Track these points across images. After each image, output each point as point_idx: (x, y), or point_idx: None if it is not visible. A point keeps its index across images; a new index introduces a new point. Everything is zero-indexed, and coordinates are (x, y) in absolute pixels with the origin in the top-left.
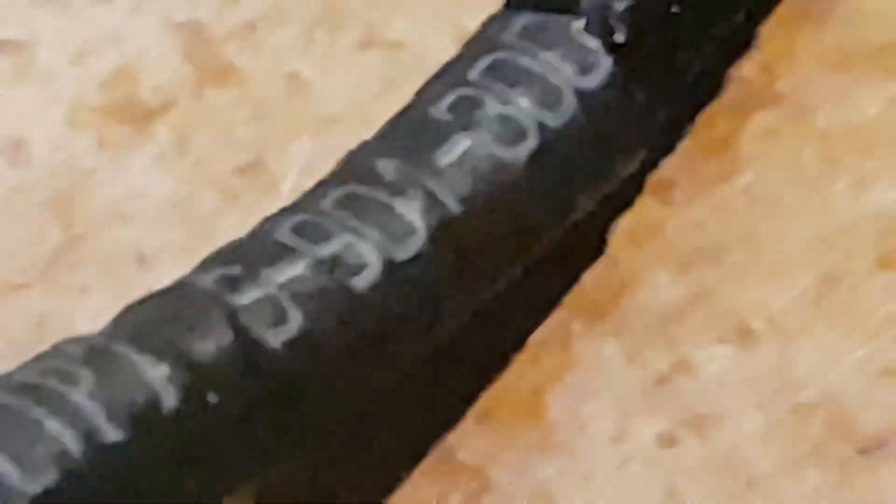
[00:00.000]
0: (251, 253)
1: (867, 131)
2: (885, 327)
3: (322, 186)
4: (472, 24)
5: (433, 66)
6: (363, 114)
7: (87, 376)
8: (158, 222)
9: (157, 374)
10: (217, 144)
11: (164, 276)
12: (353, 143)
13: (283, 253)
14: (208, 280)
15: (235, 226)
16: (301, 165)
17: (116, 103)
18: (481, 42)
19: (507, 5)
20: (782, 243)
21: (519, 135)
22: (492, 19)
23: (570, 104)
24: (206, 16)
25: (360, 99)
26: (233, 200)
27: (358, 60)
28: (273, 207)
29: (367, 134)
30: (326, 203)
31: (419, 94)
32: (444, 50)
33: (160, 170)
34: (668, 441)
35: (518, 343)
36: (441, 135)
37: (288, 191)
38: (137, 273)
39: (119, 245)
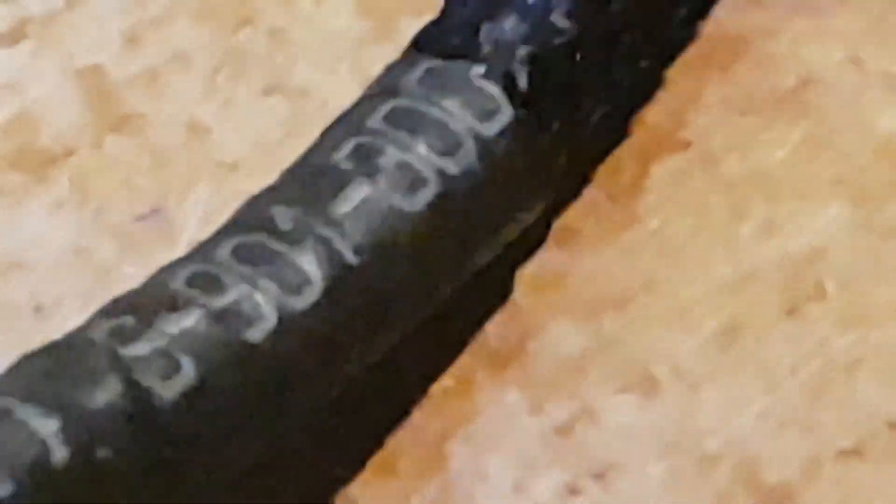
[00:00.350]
0: (145, 304)
1: (774, 176)
2: (789, 376)
3: (218, 236)
4: (376, 70)
5: (336, 112)
6: (265, 160)
7: None
8: (57, 271)
9: (46, 428)
10: (117, 192)
11: (63, 325)
12: (254, 190)
13: (178, 304)
14: (101, 332)
15: (135, 275)
16: (202, 213)
17: (16, 150)
18: (381, 89)
19: (408, 51)
20: (688, 290)
21: (418, 183)
22: (392, 65)
23: (470, 151)
24: (107, 62)
25: (263, 145)
26: (133, 249)
27: (260, 106)
28: (173, 255)
29: (270, 181)
30: (222, 253)
31: (318, 141)
32: (348, 96)
33: (59, 218)
34: (571, 491)
35: (420, 392)
36: (339, 183)
37: (188, 239)
38: (35, 323)
39: (17, 294)
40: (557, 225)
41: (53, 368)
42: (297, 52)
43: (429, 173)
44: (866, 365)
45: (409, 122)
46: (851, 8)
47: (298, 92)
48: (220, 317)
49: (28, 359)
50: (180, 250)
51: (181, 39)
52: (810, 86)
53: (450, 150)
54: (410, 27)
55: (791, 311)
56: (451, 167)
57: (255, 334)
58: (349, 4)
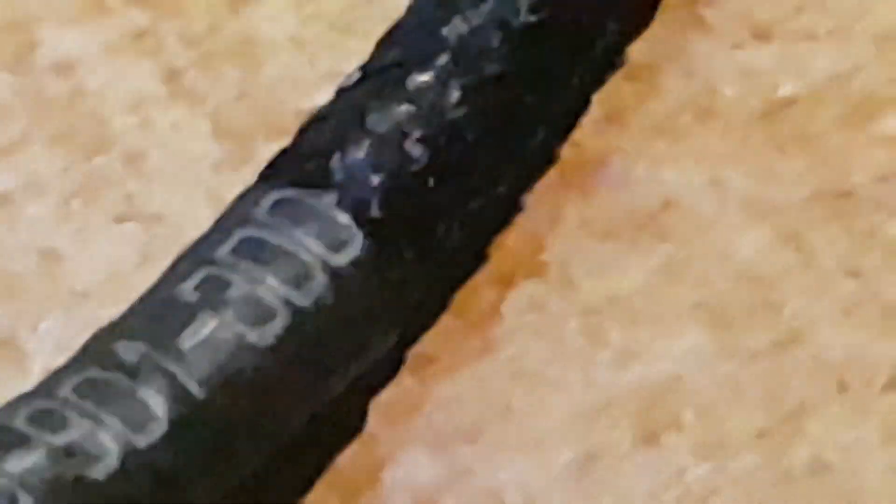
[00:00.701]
0: None
1: (632, 302)
2: None
3: (63, 371)
4: (232, 195)
5: (191, 239)
6: (119, 289)
7: None
8: None
9: None
10: None
11: None
12: (108, 318)
13: (19, 442)
14: None
15: None
16: (54, 342)
17: None
18: (232, 218)
19: (260, 179)
20: (543, 418)
21: (266, 315)
22: (244, 194)
23: (319, 283)
24: None
25: (117, 273)
26: None
27: (115, 233)
28: (25, 385)
29: (123, 309)
30: (66, 389)
31: (167, 272)
32: (203, 222)
33: None
34: None
35: None
36: (186, 316)
37: (40, 368)
38: None
39: None
40: (413, 352)
41: None
42: (152, 177)
43: (277, 306)
44: (723, 494)
45: (258, 253)
46: (712, 129)
47: (153, 218)
48: (62, 455)
49: None
50: (33, 380)
51: (35, 165)
52: (670, 209)
53: (299, 281)
54: (268, 151)
55: (648, 440)
56: (301, 299)
57: (98, 472)
58: (206, 128)
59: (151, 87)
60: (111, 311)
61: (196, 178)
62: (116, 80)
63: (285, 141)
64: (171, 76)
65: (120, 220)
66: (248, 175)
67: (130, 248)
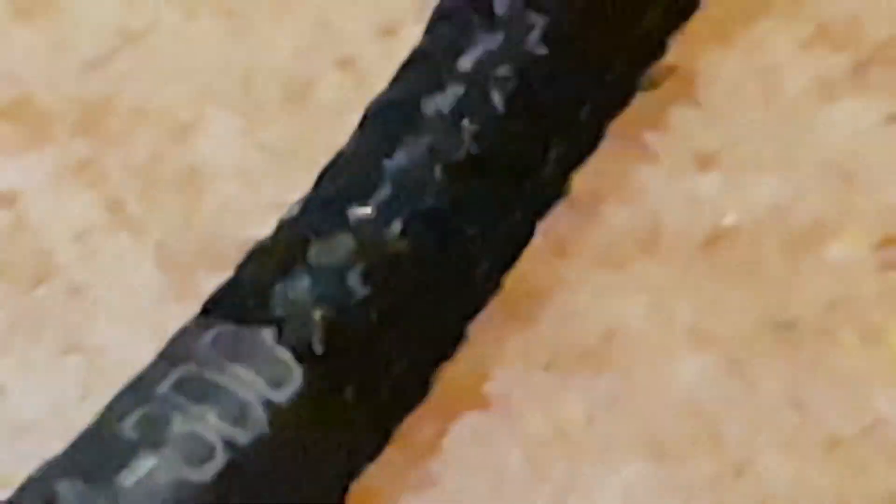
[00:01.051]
0: None
1: (575, 434)
2: None
3: None
4: (175, 326)
5: (134, 371)
6: (61, 421)
7: None
8: None
9: None
10: None
11: None
12: (50, 452)
13: None
14: None
15: None
16: None
17: None
18: (173, 354)
19: (201, 314)
20: None
21: (206, 453)
22: (185, 329)
23: (259, 419)
24: None
25: (59, 406)
26: None
27: (57, 366)
28: None
29: (65, 442)
30: None
31: (106, 409)
32: (146, 354)
33: None
34: None
35: None
36: (126, 454)
37: None
38: None
39: None
40: (354, 487)
41: None
42: (95, 309)
43: (217, 443)
44: None
45: (198, 391)
46: (656, 258)
47: (96, 351)
48: None
49: None
50: None
51: None
52: (614, 339)
53: (239, 418)
54: (211, 282)
55: None
56: (241, 436)
57: None
58: (149, 259)
59: (94, 218)
60: (54, 444)
61: (139, 310)
62: (59, 211)
63: (228, 271)
64: (115, 206)
65: (63, 352)
66: (192, 306)
67: (73, 380)
